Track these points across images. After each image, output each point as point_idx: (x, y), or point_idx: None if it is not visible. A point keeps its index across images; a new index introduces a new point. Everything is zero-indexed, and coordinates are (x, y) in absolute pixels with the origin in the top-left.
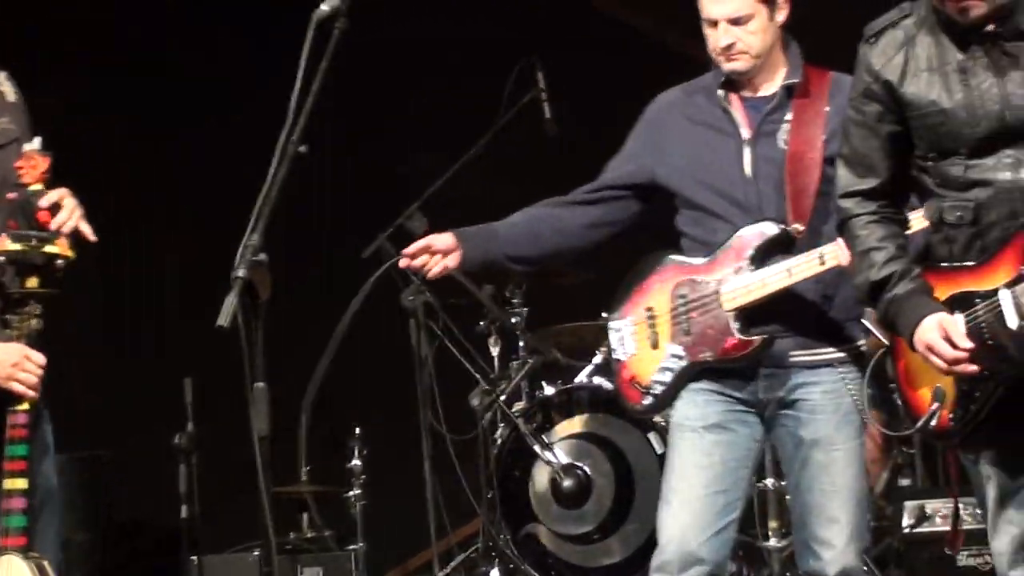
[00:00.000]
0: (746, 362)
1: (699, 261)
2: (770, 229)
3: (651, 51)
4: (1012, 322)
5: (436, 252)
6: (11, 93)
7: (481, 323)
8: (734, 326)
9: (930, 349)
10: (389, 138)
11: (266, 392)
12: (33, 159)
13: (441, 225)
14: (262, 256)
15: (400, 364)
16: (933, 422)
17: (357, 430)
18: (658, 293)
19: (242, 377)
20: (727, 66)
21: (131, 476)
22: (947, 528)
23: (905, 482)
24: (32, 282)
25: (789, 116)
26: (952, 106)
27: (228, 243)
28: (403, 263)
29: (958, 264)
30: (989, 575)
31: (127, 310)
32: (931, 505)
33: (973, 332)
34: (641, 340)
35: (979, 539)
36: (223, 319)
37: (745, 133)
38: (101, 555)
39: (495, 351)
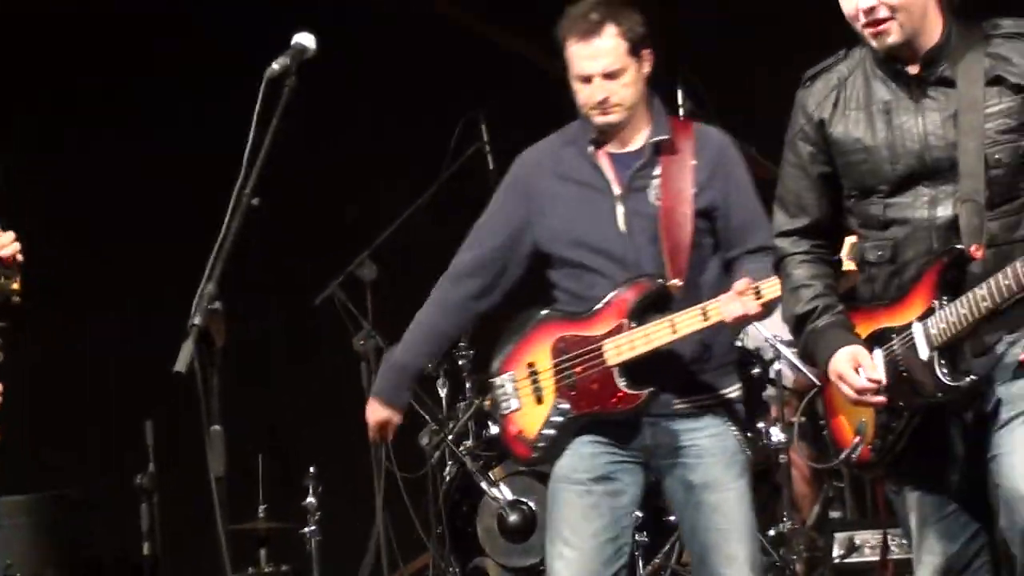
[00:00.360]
0: (633, 414)
1: (578, 316)
2: (649, 285)
3: None
4: (923, 353)
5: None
6: None
7: (429, 366)
8: (620, 381)
9: (840, 378)
10: (338, 188)
11: (222, 435)
12: None
13: (390, 271)
14: (217, 304)
15: (352, 406)
16: (855, 454)
17: (311, 469)
18: (539, 349)
19: (200, 420)
20: (601, 120)
21: (96, 515)
22: (876, 558)
23: (835, 514)
24: None
25: (658, 171)
26: (875, 144)
27: (187, 290)
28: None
29: (877, 302)
30: None
31: (88, 356)
32: (860, 536)
33: (890, 366)
34: (525, 395)
35: (909, 567)
36: (180, 365)
37: (616, 189)
38: None
39: (443, 392)
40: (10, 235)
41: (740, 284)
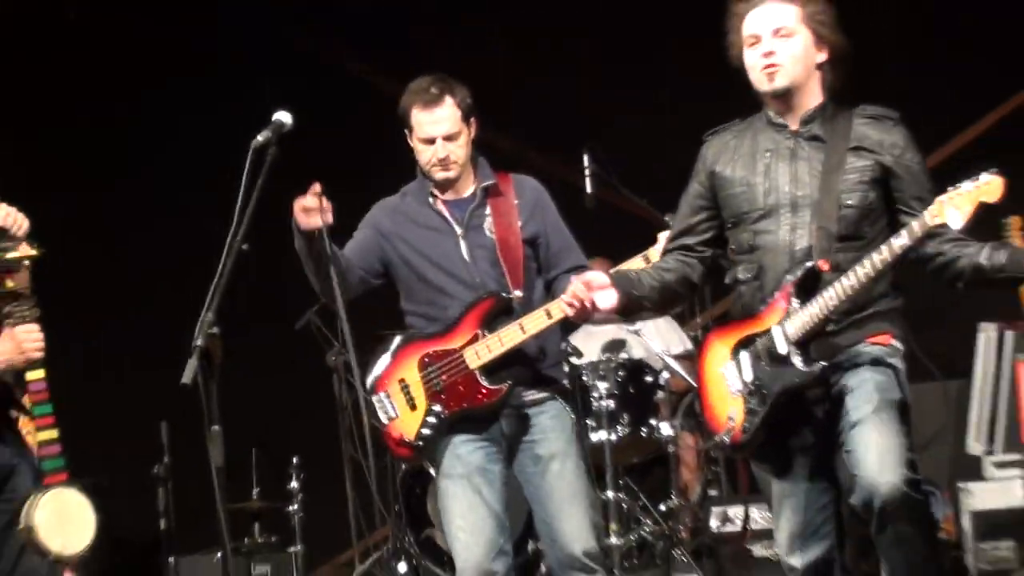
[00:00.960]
0: (496, 407)
1: (437, 334)
2: (496, 298)
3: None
4: (782, 348)
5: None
6: None
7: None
8: (482, 380)
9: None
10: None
11: (220, 433)
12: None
13: (356, 301)
14: (215, 329)
15: (327, 409)
16: (727, 438)
17: (295, 459)
18: (406, 366)
19: (203, 421)
20: (441, 175)
21: (121, 498)
22: (746, 528)
23: (713, 493)
24: (10, 283)
25: (488, 211)
26: (755, 178)
27: (191, 317)
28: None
29: (744, 316)
30: (779, 565)
31: (114, 370)
32: (732, 510)
33: (755, 362)
34: (401, 405)
35: (770, 535)
36: (186, 378)
37: (458, 229)
38: (100, 561)
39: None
40: (5, 210)
41: (572, 288)
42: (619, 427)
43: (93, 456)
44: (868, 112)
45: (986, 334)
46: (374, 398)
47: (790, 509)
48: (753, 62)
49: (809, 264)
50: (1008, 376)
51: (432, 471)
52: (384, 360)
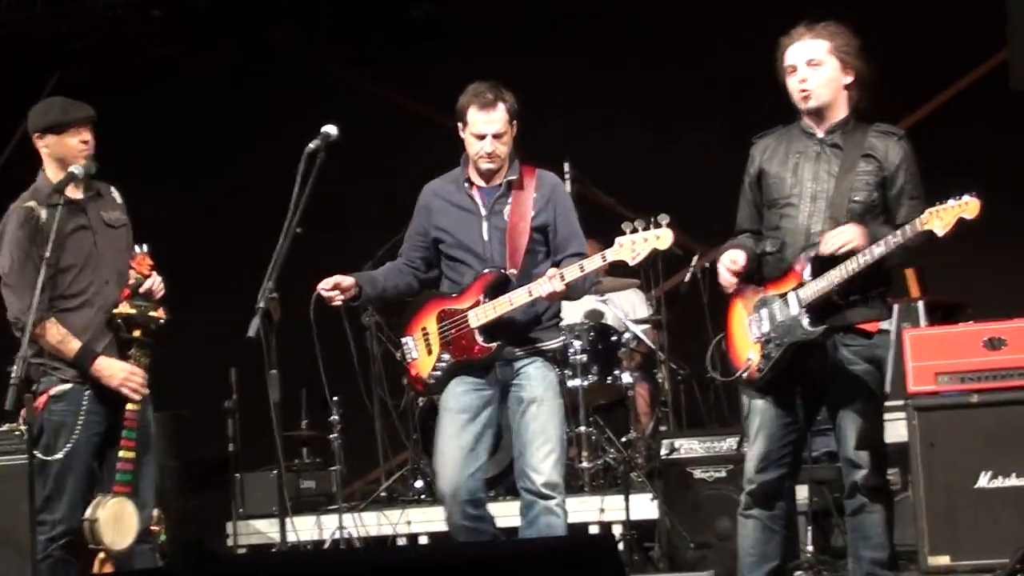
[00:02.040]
0: (488, 361)
1: (453, 295)
2: (496, 273)
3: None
4: (795, 310)
5: (342, 289)
6: (118, 197)
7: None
8: (479, 338)
9: (721, 264)
10: (357, 224)
11: (277, 376)
12: (143, 258)
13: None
14: (275, 294)
15: (362, 359)
16: (744, 375)
17: (335, 398)
18: (429, 318)
19: (264, 366)
20: (486, 166)
21: (199, 426)
22: (688, 455)
23: (663, 428)
24: (136, 333)
25: (510, 200)
26: (786, 173)
27: (256, 284)
28: (320, 291)
29: (768, 280)
30: (713, 484)
31: (195, 326)
32: (677, 442)
33: (773, 317)
34: (421, 349)
35: (706, 462)
36: (251, 332)
37: (483, 211)
38: (182, 472)
39: (399, 354)
40: (156, 278)
41: (550, 272)
42: (590, 376)
43: (180, 393)
44: (880, 128)
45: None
46: (403, 340)
47: (765, 437)
48: (792, 87)
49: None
50: (896, 340)
51: None
52: (414, 310)
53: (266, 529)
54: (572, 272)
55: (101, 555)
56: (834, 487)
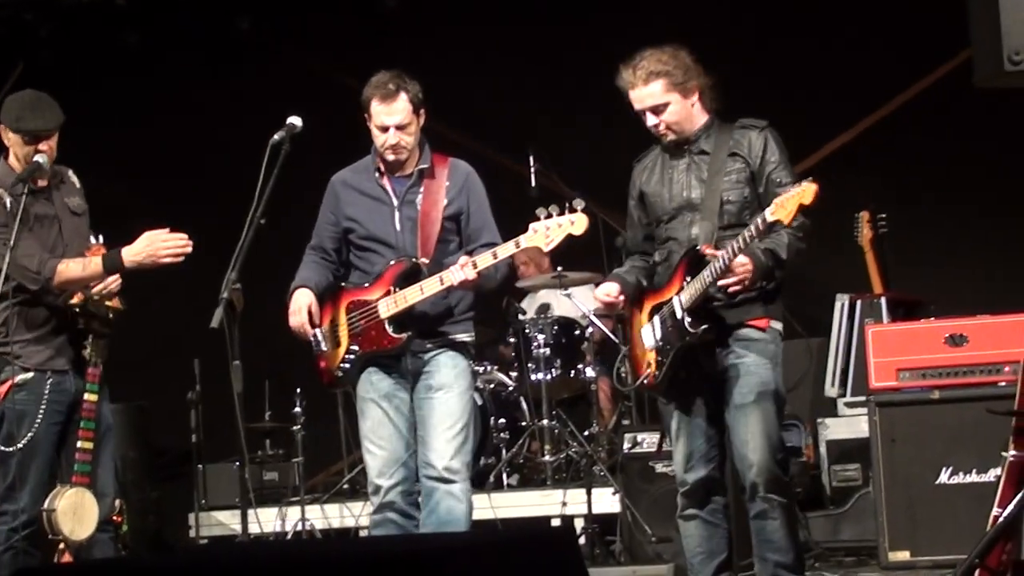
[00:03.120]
0: (398, 351)
1: (363, 286)
2: (406, 262)
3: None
4: (679, 314)
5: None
6: (77, 181)
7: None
8: (389, 328)
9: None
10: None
11: (240, 367)
12: (98, 249)
13: None
14: (238, 285)
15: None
16: (645, 381)
17: (298, 389)
18: (339, 309)
19: (227, 357)
20: (392, 158)
21: (162, 418)
22: (650, 450)
23: (626, 422)
24: (95, 324)
25: (421, 189)
26: (663, 190)
27: (220, 276)
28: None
29: (658, 288)
30: (675, 478)
31: (157, 316)
32: (640, 436)
33: (662, 323)
34: (329, 341)
35: (668, 456)
36: (214, 323)
37: (395, 201)
38: (144, 464)
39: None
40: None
41: (462, 260)
42: (553, 369)
43: (141, 384)
44: (743, 123)
45: (841, 302)
46: (312, 332)
47: (685, 437)
48: (649, 126)
49: (695, 247)
50: (858, 336)
51: None
52: (325, 302)
53: (228, 520)
54: (485, 260)
55: (61, 545)
56: (795, 482)
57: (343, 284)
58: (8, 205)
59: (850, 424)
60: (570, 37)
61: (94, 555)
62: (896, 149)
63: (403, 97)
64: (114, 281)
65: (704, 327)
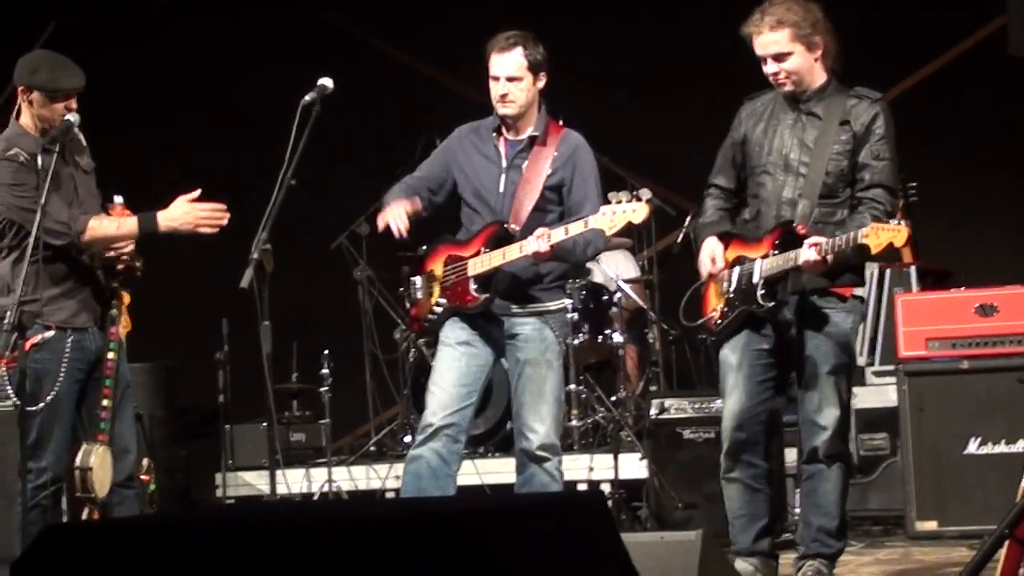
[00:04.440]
0: (479, 310)
1: (462, 242)
2: (497, 226)
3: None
4: (756, 278)
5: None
6: (83, 140)
7: (401, 288)
8: (472, 287)
9: (704, 256)
10: (345, 177)
11: (269, 327)
12: (122, 209)
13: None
14: (268, 246)
15: (353, 313)
16: (708, 323)
17: (326, 351)
18: (437, 261)
19: (256, 317)
20: (503, 111)
21: (189, 377)
22: (677, 416)
23: (653, 388)
24: (115, 282)
25: (529, 155)
26: (764, 140)
27: (249, 236)
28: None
29: (747, 238)
30: (702, 445)
31: (187, 276)
32: (668, 402)
33: (739, 277)
34: (424, 291)
35: (696, 422)
36: (244, 283)
37: (503, 163)
38: (172, 422)
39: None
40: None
41: (538, 231)
42: (581, 334)
43: (171, 343)
44: (858, 92)
45: (871, 270)
46: (412, 279)
47: (738, 395)
48: (768, 73)
49: (790, 224)
50: (887, 305)
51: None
52: (428, 252)
53: (255, 481)
54: (558, 234)
55: (88, 504)
56: None
57: (448, 237)
58: (40, 163)
59: (878, 393)
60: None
61: (118, 512)
62: (926, 118)
63: (518, 51)
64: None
65: (772, 304)
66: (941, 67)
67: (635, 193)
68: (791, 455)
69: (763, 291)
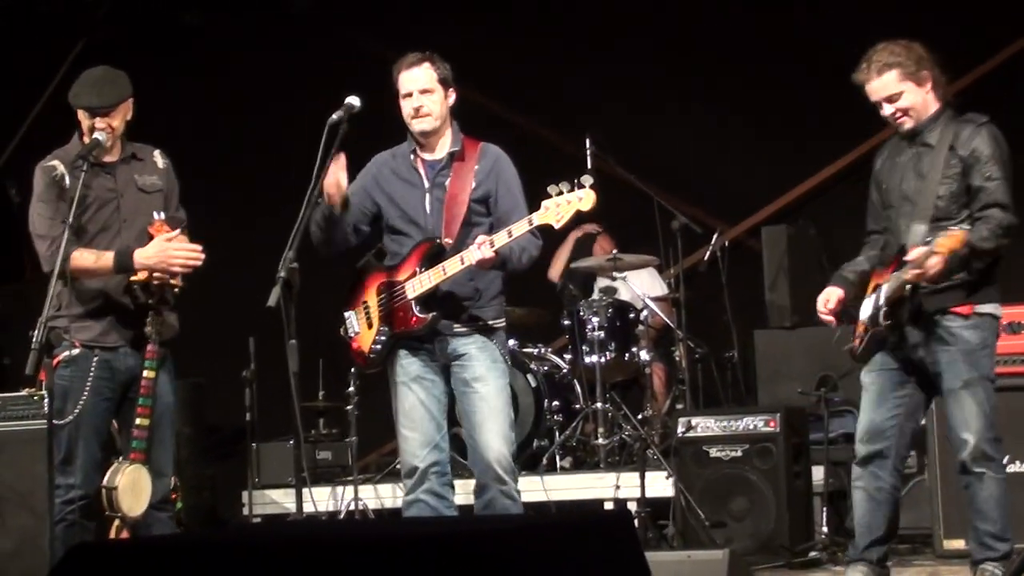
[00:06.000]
0: (425, 332)
1: (393, 267)
2: (430, 243)
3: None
4: (880, 301)
5: (339, 189)
6: (161, 162)
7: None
8: (415, 308)
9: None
10: None
11: (296, 346)
12: (162, 225)
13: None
14: (295, 264)
15: None
16: (850, 348)
17: (352, 370)
18: (370, 291)
19: (283, 336)
20: (418, 125)
21: (217, 395)
22: (703, 434)
23: (679, 406)
24: (152, 300)
25: (451, 172)
26: (888, 178)
27: (276, 254)
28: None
29: (881, 268)
30: (729, 463)
31: (212, 295)
32: (694, 420)
33: (872, 304)
34: (362, 323)
35: (722, 440)
36: (271, 302)
37: (426, 184)
38: (199, 440)
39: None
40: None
41: (479, 239)
42: (607, 352)
43: (198, 361)
44: (966, 117)
45: None
46: (345, 314)
47: (870, 410)
48: (886, 116)
49: (904, 247)
50: None
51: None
52: (357, 283)
53: (281, 499)
54: (500, 238)
55: (117, 522)
56: (849, 468)
57: (376, 265)
58: (67, 180)
59: None
60: (631, 19)
61: (152, 533)
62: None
63: (427, 66)
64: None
65: (890, 323)
66: (988, 71)
67: (577, 180)
68: (818, 473)
69: (885, 310)
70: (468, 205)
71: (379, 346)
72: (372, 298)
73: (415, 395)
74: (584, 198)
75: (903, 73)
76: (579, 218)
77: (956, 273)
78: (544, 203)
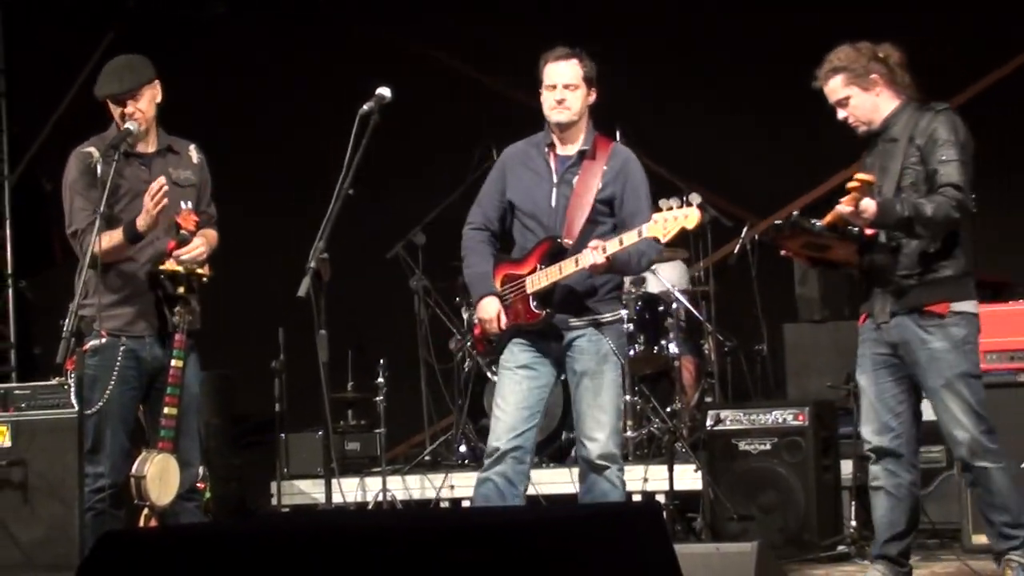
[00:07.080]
0: (540, 326)
1: (518, 260)
2: (551, 242)
3: None
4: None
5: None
6: (195, 156)
7: (458, 298)
8: (532, 303)
9: None
10: (404, 187)
11: (326, 336)
12: (188, 214)
13: (434, 237)
14: (325, 255)
15: (409, 322)
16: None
17: (382, 360)
18: (496, 281)
19: (312, 326)
20: (557, 116)
21: (247, 386)
22: (733, 427)
23: (708, 399)
24: (181, 290)
25: (580, 170)
26: (868, 173)
27: (306, 245)
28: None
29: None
30: (757, 456)
31: (243, 287)
32: (723, 413)
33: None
34: None
35: (751, 434)
36: (301, 292)
37: (554, 178)
38: (227, 431)
39: (466, 315)
40: (200, 241)
41: (592, 243)
42: (636, 345)
43: (227, 352)
44: (928, 106)
45: None
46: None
47: (873, 410)
48: (840, 119)
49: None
50: None
51: (488, 374)
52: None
53: (310, 489)
54: (613, 245)
55: (145, 511)
56: None
57: (504, 256)
58: (100, 168)
59: None
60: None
61: (179, 522)
62: (984, 127)
63: (575, 62)
64: (199, 247)
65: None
66: (1005, 76)
67: (685, 198)
68: (847, 467)
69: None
70: (592, 205)
71: (498, 335)
72: (497, 288)
73: (516, 382)
74: (690, 216)
75: (848, 78)
76: None
77: (896, 231)
78: (654, 215)
